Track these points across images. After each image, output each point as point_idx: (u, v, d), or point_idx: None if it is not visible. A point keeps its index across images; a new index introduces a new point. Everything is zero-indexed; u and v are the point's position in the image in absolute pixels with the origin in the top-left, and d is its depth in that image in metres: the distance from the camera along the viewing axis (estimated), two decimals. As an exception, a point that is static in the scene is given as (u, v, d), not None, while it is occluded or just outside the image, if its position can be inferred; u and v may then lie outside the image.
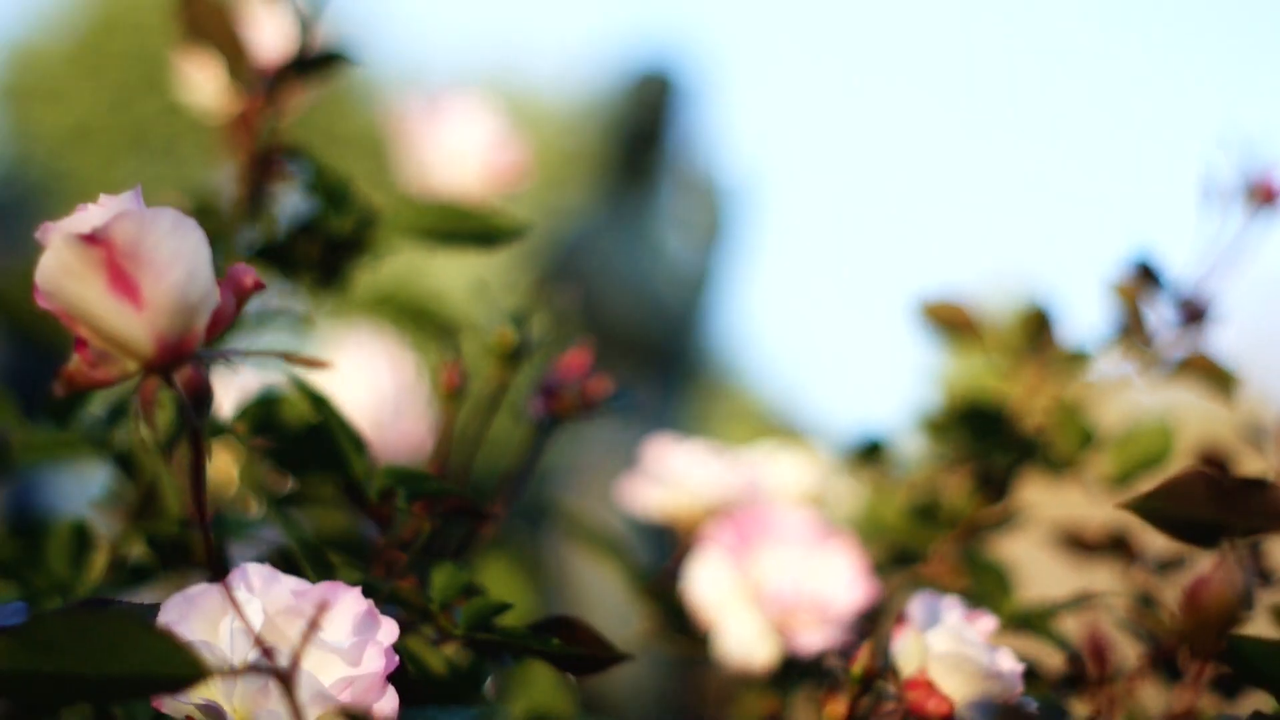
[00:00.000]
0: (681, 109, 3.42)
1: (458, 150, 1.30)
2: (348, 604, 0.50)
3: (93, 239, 0.44)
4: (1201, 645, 0.55)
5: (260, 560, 0.54)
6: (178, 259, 0.44)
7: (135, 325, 0.45)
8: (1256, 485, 0.58)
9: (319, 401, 0.64)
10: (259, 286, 0.48)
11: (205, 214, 0.79)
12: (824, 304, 18.35)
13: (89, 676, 0.40)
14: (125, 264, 0.44)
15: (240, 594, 0.50)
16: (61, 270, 0.44)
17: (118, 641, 0.40)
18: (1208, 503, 0.58)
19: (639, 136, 3.38)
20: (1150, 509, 0.58)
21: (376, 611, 0.50)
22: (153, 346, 0.45)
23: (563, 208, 3.90)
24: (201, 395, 0.46)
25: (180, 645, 0.41)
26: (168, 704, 0.49)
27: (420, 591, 0.58)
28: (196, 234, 0.45)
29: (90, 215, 0.46)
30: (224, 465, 0.91)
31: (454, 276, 5.99)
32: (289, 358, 0.48)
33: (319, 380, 0.66)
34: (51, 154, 8.34)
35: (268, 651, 0.45)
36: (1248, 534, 0.59)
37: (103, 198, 0.46)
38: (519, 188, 1.33)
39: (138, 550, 0.75)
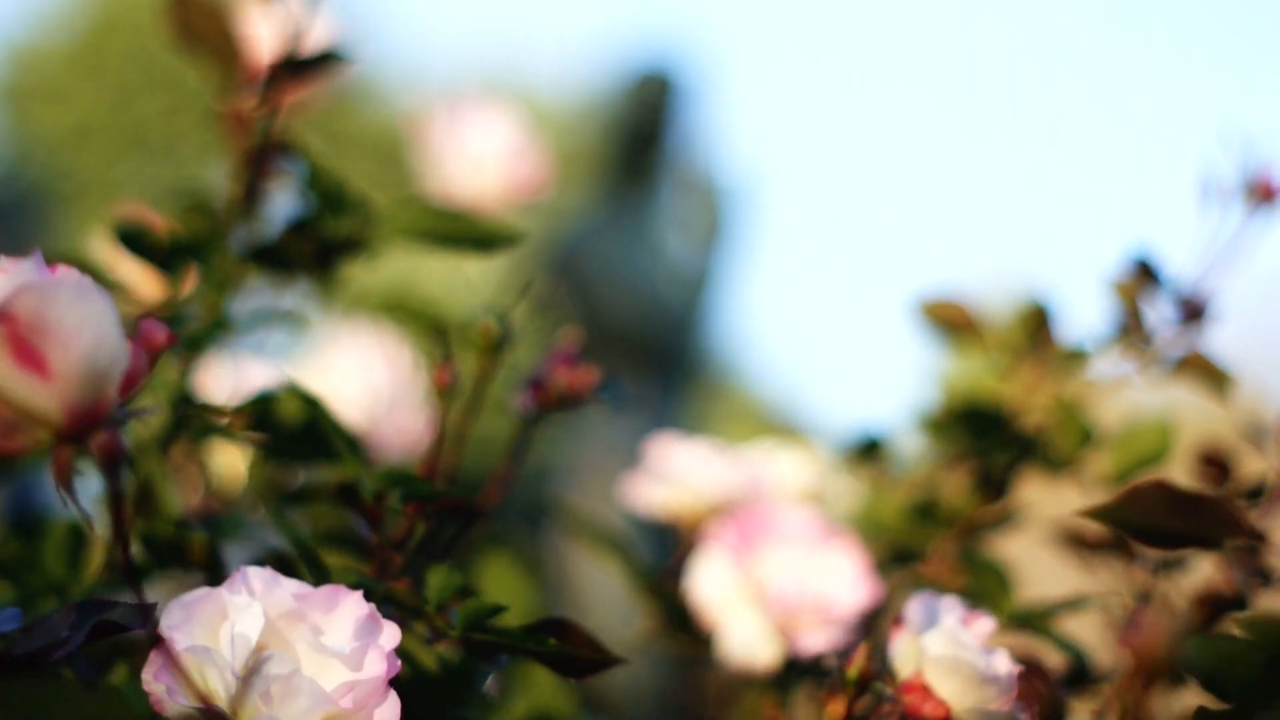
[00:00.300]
0: (681, 109, 3.42)
1: (478, 159, 1.30)
2: (349, 608, 0.50)
3: None
4: (1143, 681, 0.57)
5: (255, 561, 0.54)
6: (83, 327, 0.44)
7: (44, 397, 0.44)
8: (1211, 497, 0.62)
9: (311, 403, 0.64)
10: (172, 341, 0.47)
11: (200, 213, 0.78)
12: (824, 304, 18.34)
13: None
14: (30, 337, 0.43)
15: (241, 597, 0.50)
16: None
17: (66, 702, 0.40)
18: (1167, 512, 0.61)
19: (639, 136, 3.38)
20: (1113, 517, 0.62)
21: (378, 615, 0.50)
22: (64, 416, 0.44)
23: (562, 208, 3.90)
24: (116, 459, 0.45)
25: (119, 700, 0.42)
26: (169, 707, 0.48)
27: (416, 592, 0.58)
28: (101, 300, 0.44)
29: None
30: (232, 463, 0.91)
31: (452, 274, 5.99)
32: (213, 412, 0.48)
33: (314, 379, 0.66)
34: (51, 154, 8.34)
35: (210, 708, 0.45)
36: (1206, 541, 0.63)
37: (5, 262, 0.45)
38: (538, 198, 1.33)
39: (133, 550, 0.75)
